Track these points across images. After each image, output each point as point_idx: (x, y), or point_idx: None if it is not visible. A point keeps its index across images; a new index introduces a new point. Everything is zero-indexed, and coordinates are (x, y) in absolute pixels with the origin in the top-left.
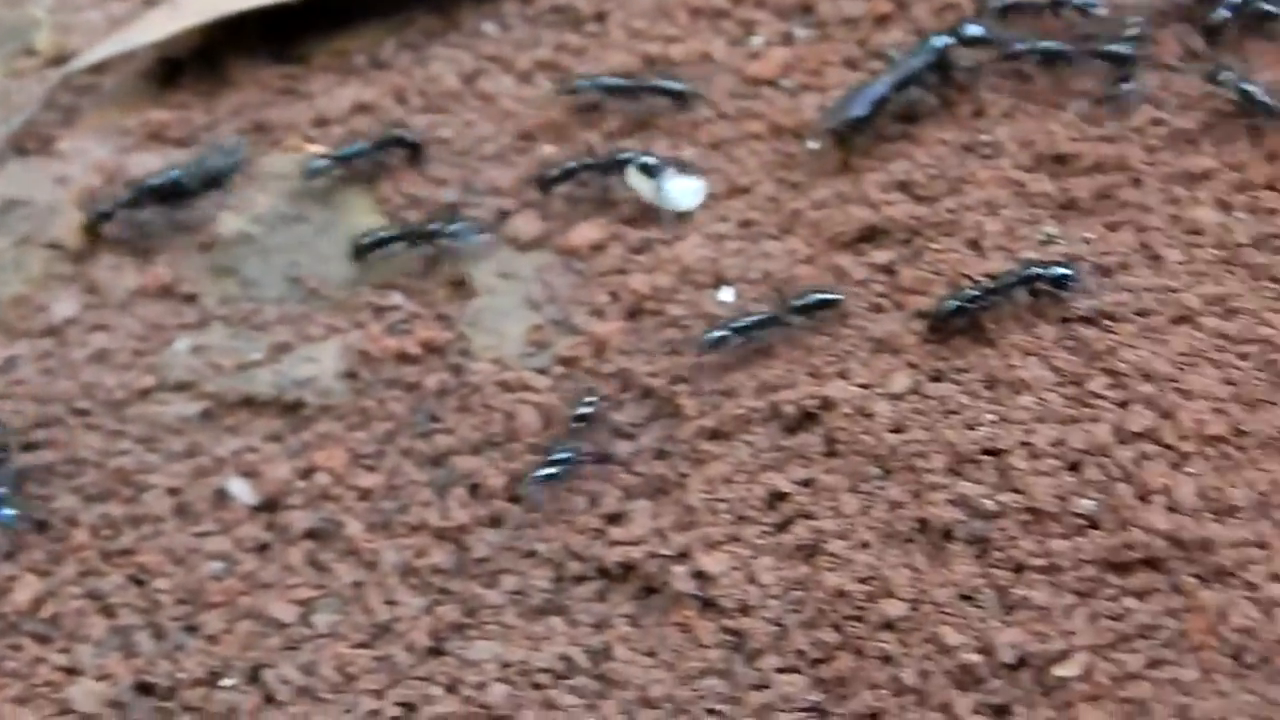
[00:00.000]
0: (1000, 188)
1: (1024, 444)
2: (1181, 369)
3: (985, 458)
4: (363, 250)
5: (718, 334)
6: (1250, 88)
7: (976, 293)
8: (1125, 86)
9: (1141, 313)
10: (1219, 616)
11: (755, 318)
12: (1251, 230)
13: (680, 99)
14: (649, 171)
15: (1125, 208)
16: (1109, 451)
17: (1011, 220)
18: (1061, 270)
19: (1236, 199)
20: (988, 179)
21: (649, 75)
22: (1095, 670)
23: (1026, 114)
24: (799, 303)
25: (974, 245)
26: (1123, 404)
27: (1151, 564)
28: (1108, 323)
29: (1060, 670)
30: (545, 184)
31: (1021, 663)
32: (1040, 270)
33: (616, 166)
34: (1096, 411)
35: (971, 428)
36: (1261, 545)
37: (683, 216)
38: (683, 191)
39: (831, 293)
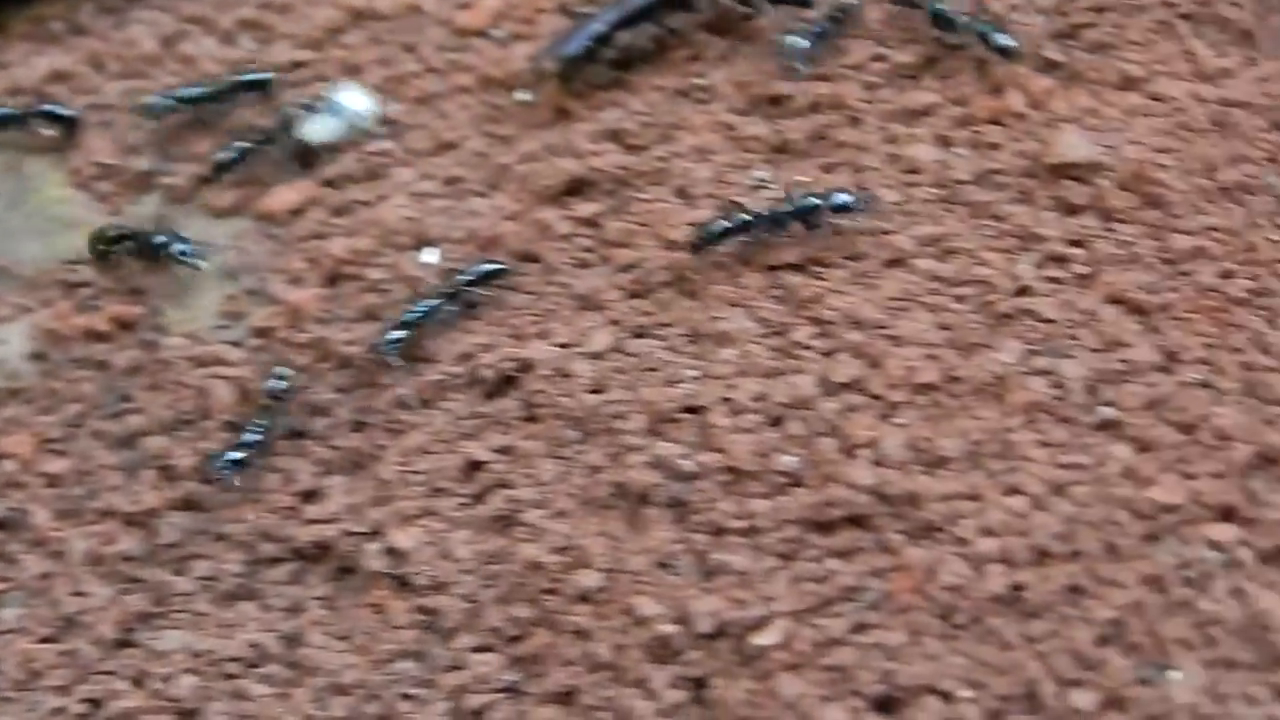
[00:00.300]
0: (712, 133)
1: (725, 400)
2: (892, 314)
3: (685, 416)
4: (102, 252)
5: (394, 336)
6: (941, 7)
7: (749, 218)
8: (790, 39)
9: (853, 257)
10: (927, 575)
11: (425, 307)
12: (972, 166)
13: (261, 88)
14: (311, 109)
15: (841, 148)
16: (813, 404)
17: (722, 166)
18: (843, 198)
19: (958, 135)
20: (701, 124)
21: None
22: (796, 637)
23: (743, 56)
24: (464, 277)
25: (682, 194)
26: (829, 354)
27: (856, 522)
28: (816, 269)
29: (759, 638)
30: (217, 170)
31: (719, 632)
32: (819, 200)
33: (284, 130)
34: (801, 363)
35: (672, 385)
36: (973, 497)
37: (380, 170)
38: (356, 110)
39: (495, 262)
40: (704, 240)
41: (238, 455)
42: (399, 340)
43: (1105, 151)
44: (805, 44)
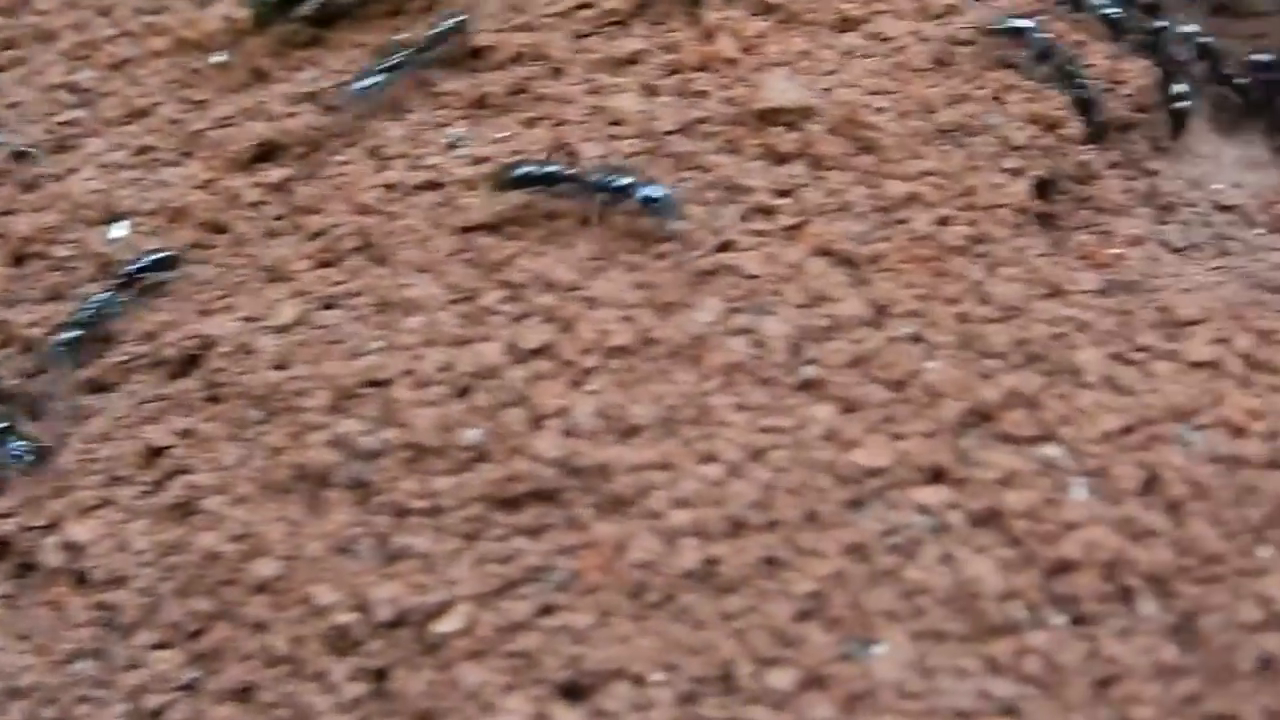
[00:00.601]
0: (410, 89)
1: (408, 372)
2: (587, 275)
3: (368, 390)
4: None
5: (64, 338)
6: None
7: (555, 169)
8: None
9: (549, 215)
10: (617, 551)
11: (96, 303)
12: (678, 116)
13: None
14: None
15: (542, 101)
16: (500, 373)
17: (417, 124)
18: (652, 191)
19: (666, 83)
20: (399, 81)
21: None
22: (478, 623)
23: (449, 8)
24: (132, 267)
25: (375, 154)
26: (518, 319)
27: (543, 497)
28: (511, 229)
29: (440, 625)
30: None
31: (400, 620)
32: (629, 182)
33: None
34: (489, 329)
35: (356, 357)
36: (666, 467)
37: (70, 141)
38: None
39: (163, 250)
40: (505, 183)
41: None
42: (71, 341)
43: (816, 96)
44: (369, 82)
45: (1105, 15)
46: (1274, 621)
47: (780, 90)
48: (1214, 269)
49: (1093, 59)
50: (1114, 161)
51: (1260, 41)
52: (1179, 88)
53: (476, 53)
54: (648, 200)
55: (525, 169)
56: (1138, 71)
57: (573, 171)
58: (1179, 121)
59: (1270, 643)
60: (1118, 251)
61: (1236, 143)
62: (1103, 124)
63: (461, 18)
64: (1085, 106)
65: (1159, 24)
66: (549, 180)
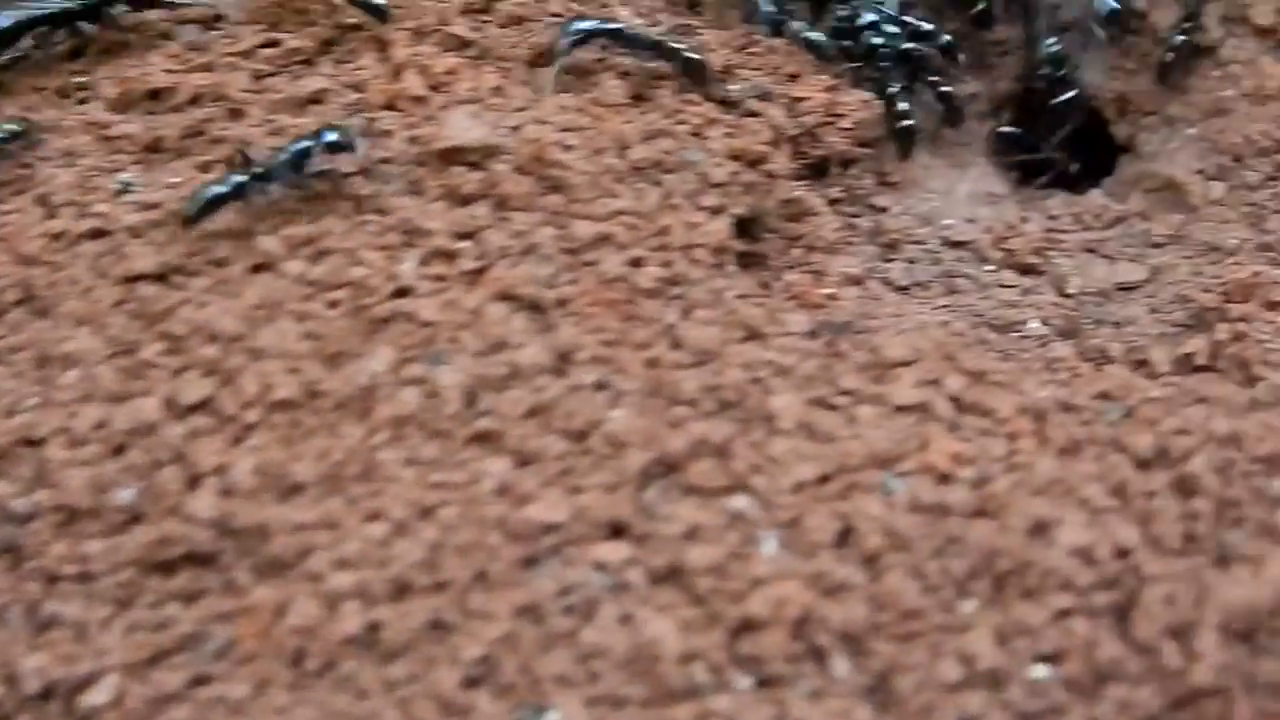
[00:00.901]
0: (84, 134)
1: (64, 430)
2: (253, 325)
3: (23, 449)
4: None
5: None
6: None
7: (243, 179)
8: None
9: (216, 263)
10: (275, 616)
11: None
12: (359, 158)
13: None
14: None
15: (219, 144)
16: (157, 430)
17: (88, 170)
18: (332, 136)
19: (351, 123)
20: (73, 126)
21: None
22: (128, 694)
23: (130, 48)
24: None
25: (43, 202)
26: (179, 372)
27: (199, 560)
28: (177, 278)
29: (89, 698)
30: None
31: (48, 692)
32: (310, 142)
33: None
34: (149, 383)
35: (11, 415)
36: (329, 526)
37: None
38: None
39: None
40: (199, 211)
41: None
42: None
43: (503, 134)
44: None
45: (807, 40)
46: (976, 680)
47: (463, 129)
48: (939, 308)
49: (808, 92)
50: (834, 198)
51: (1001, 48)
52: (902, 106)
53: (155, 94)
54: (335, 145)
55: (213, 190)
56: (857, 104)
57: (254, 170)
58: (906, 142)
59: (972, 703)
60: (829, 292)
61: (970, 177)
62: (707, 81)
63: (20, 128)
64: (688, 66)
65: (874, 41)
66: (238, 192)
